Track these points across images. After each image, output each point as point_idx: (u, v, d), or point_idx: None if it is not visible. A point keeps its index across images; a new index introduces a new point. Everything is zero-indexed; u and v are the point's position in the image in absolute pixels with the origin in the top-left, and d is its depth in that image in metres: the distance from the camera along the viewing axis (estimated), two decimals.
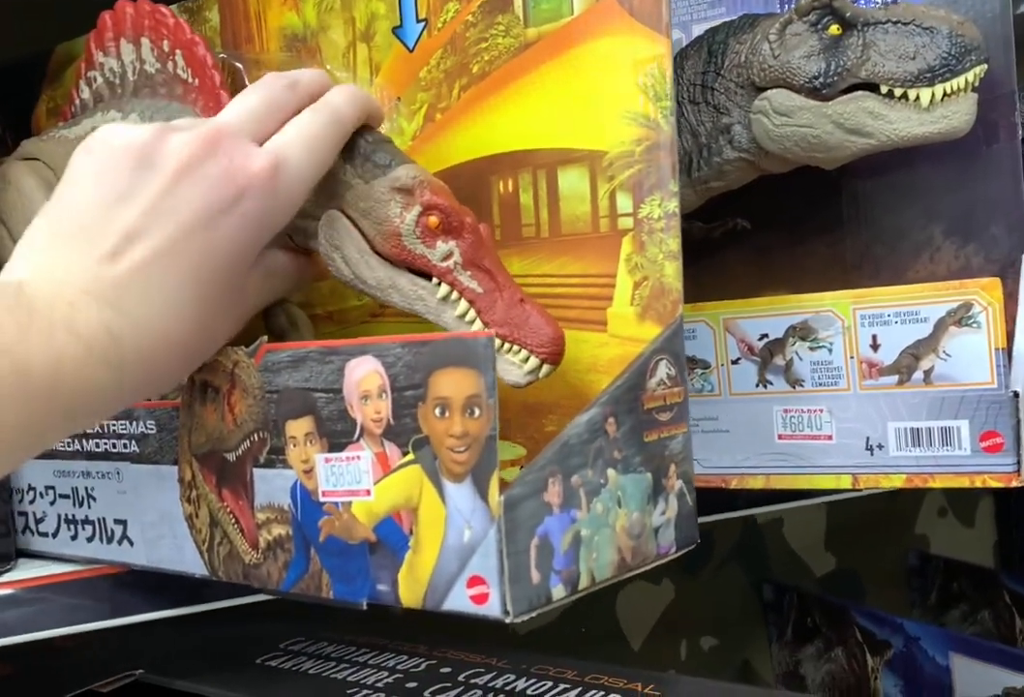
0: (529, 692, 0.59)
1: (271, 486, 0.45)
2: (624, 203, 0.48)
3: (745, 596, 1.22)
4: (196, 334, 0.44)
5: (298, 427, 0.44)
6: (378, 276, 0.47)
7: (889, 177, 0.62)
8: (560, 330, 0.45)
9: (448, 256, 0.45)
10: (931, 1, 0.57)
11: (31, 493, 0.56)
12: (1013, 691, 0.86)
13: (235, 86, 0.56)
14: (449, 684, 0.60)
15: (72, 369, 0.39)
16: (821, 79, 0.55)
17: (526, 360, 0.44)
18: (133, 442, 0.51)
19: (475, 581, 0.38)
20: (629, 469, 0.42)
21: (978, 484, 0.53)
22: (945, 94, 0.53)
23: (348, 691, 0.60)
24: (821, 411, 0.57)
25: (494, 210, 0.52)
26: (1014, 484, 0.53)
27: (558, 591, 0.39)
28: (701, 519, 0.47)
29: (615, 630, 1.15)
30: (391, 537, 0.40)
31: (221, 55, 0.56)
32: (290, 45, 0.58)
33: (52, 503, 0.55)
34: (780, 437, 0.58)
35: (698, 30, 0.64)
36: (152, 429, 0.50)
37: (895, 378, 0.55)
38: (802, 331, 0.57)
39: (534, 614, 0.38)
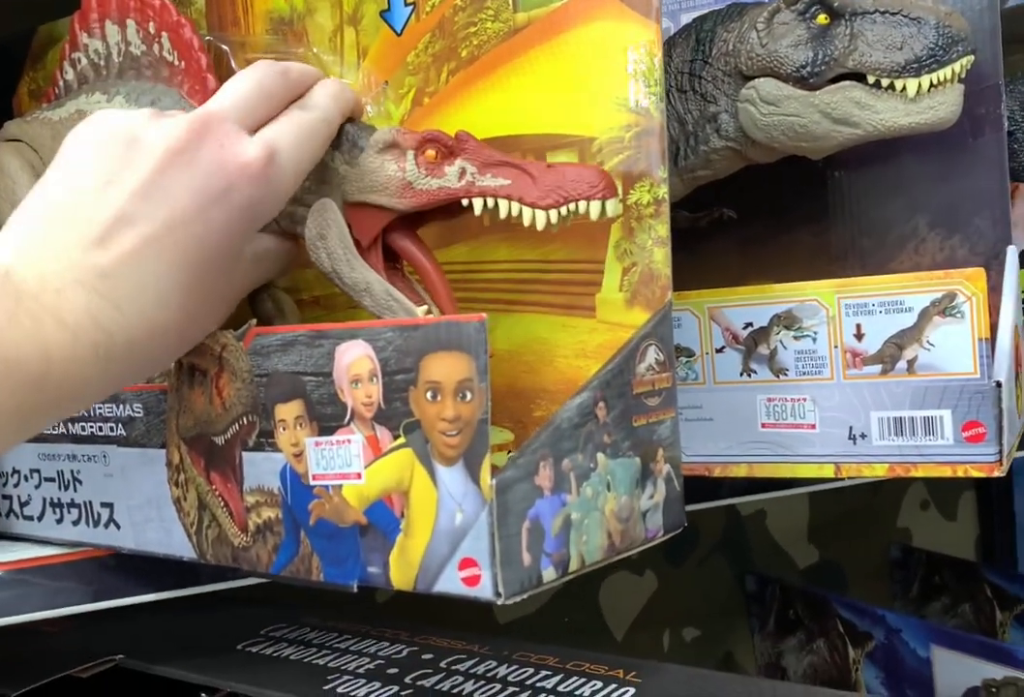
0: (511, 678, 0.59)
1: (260, 469, 0.45)
2: None
3: (728, 588, 1.22)
4: (184, 322, 0.43)
5: (288, 410, 0.44)
6: (355, 277, 0.47)
7: (875, 168, 0.62)
8: (598, 167, 0.45)
9: (462, 174, 0.45)
10: None
11: (15, 476, 0.56)
12: (992, 682, 0.87)
13: (221, 69, 0.56)
14: (431, 670, 0.61)
15: (60, 358, 0.39)
16: (808, 68, 0.55)
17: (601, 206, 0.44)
18: (120, 425, 0.51)
19: (467, 563, 0.38)
20: (618, 453, 0.43)
21: (960, 474, 0.54)
22: (932, 85, 0.54)
23: (329, 677, 0.60)
24: (805, 400, 0.57)
25: None
26: (996, 474, 0.53)
27: (549, 573, 0.39)
28: (685, 508, 0.47)
29: (598, 621, 1.15)
30: (382, 520, 0.40)
31: (207, 38, 0.56)
32: (276, 28, 0.58)
33: (37, 486, 0.55)
34: (763, 426, 0.58)
35: (686, 18, 0.64)
36: (139, 412, 0.50)
37: (879, 367, 0.55)
38: (786, 320, 0.57)
39: (525, 596, 0.38)
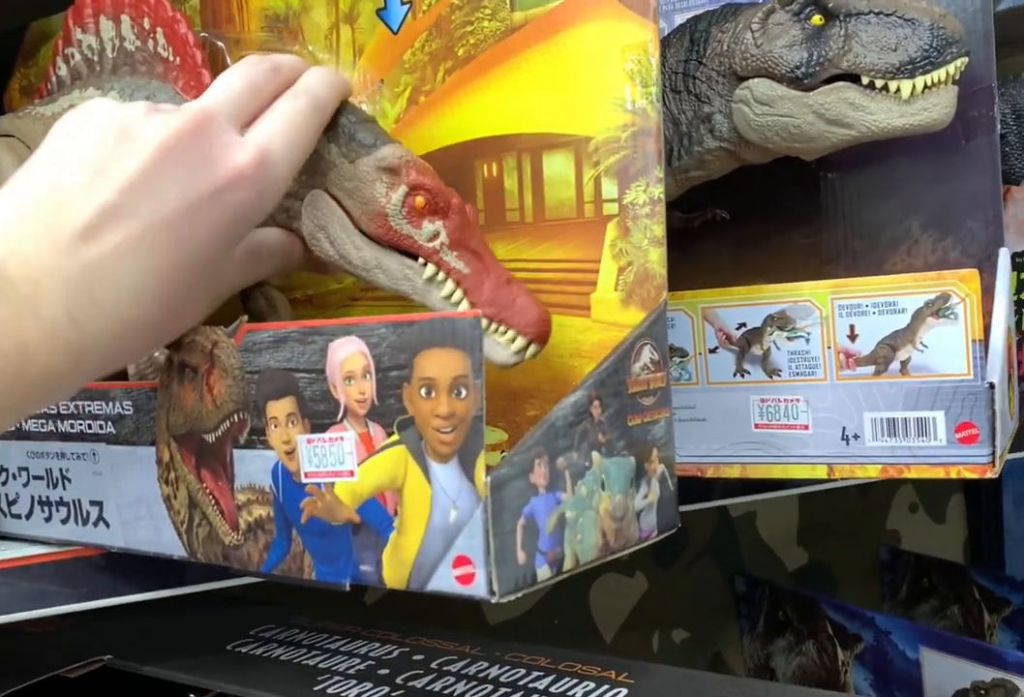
0: (502, 679, 0.58)
1: (251, 467, 0.44)
2: (609, 189, 0.48)
3: (718, 589, 1.22)
4: (163, 319, 0.43)
5: (279, 408, 0.43)
6: (364, 256, 0.47)
7: (868, 169, 0.62)
8: (546, 311, 0.45)
9: (435, 236, 0.45)
10: None
11: (3, 475, 0.56)
12: (981, 685, 0.87)
13: (216, 66, 0.55)
14: (421, 671, 0.60)
15: (37, 353, 0.39)
16: (803, 69, 0.55)
17: (513, 340, 0.44)
18: (109, 423, 0.50)
19: (461, 561, 0.38)
20: (613, 452, 0.42)
21: (953, 475, 0.54)
22: (926, 86, 0.54)
23: (319, 678, 0.60)
24: (798, 401, 0.57)
25: (478, 194, 0.52)
26: (989, 475, 0.53)
27: (543, 572, 0.39)
28: None
29: (588, 622, 1.15)
30: (375, 518, 0.40)
31: (202, 34, 0.56)
32: (271, 26, 0.58)
33: (25, 484, 0.54)
34: (757, 426, 0.58)
35: (680, 19, 0.64)
36: (129, 410, 0.50)
37: (872, 368, 0.55)
38: (780, 321, 0.57)
39: (519, 594, 0.38)
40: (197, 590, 0.54)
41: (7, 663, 0.65)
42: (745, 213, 0.67)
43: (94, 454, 0.51)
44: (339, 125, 0.47)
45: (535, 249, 0.50)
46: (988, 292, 0.55)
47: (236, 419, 0.45)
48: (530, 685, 0.57)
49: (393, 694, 0.57)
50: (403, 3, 0.53)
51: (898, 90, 0.54)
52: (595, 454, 0.41)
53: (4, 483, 0.56)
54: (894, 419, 0.54)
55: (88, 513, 0.52)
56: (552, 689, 0.56)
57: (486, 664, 0.61)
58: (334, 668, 0.61)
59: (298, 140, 0.45)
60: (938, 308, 0.53)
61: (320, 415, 0.42)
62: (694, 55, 0.60)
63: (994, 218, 0.58)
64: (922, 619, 1.18)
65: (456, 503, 0.38)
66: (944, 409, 0.53)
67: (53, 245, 0.40)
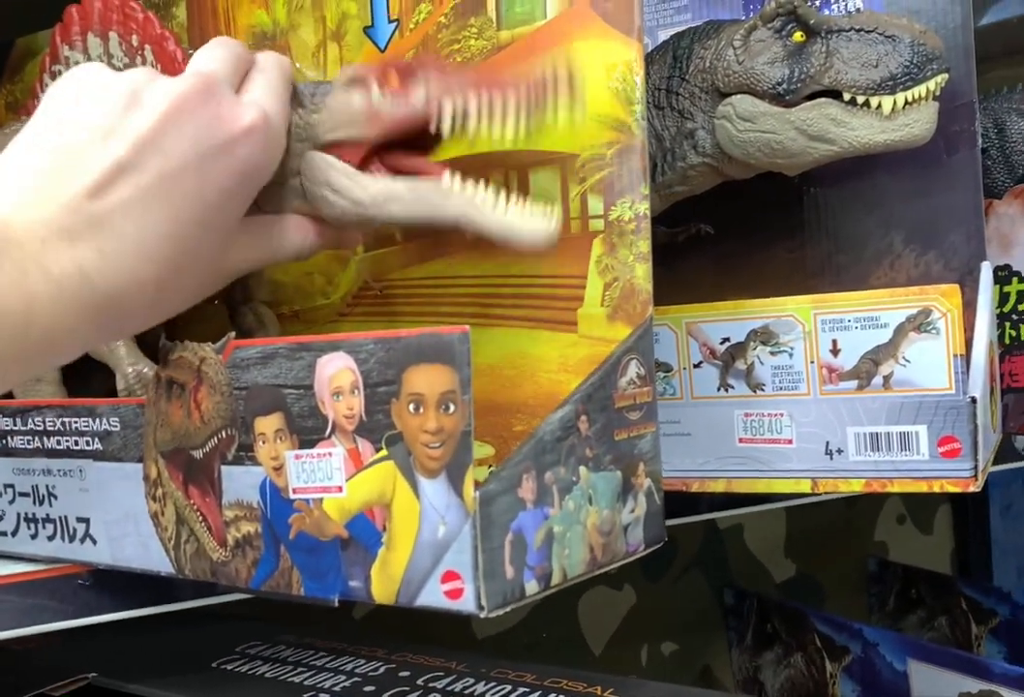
0: (489, 696, 0.58)
1: (239, 483, 0.44)
2: (595, 205, 0.48)
3: (706, 601, 1.23)
4: (168, 276, 0.43)
5: (267, 424, 0.43)
6: (372, 193, 0.47)
7: (851, 184, 0.63)
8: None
9: (427, 99, 0.46)
10: (893, 11, 0.58)
11: None
12: (968, 696, 0.87)
13: None
14: (408, 688, 0.60)
15: (43, 309, 0.39)
16: (784, 85, 0.56)
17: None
18: (96, 439, 0.50)
19: (449, 576, 0.38)
20: (600, 467, 0.43)
21: (936, 489, 0.54)
22: (907, 102, 0.54)
23: (304, 695, 0.60)
24: (781, 415, 0.57)
25: None
26: (971, 489, 0.53)
27: (531, 587, 0.39)
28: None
29: (576, 635, 1.15)
30: (364, 533, 0.40)
31: (190, 51, 0.56)
32: (259, 43, 0.58)
33: (11, 501, 0.54)
34: (741, 441, 0.58)
35: (664, 35, 0.65)
36: (116, 426, 0.49)
37: (855, 383, 0.55)
38: (763, 335, 0.57)
39: (508, 609, 0.38)
40: (184, 607, 0.54)
41: None
42: (729, 228, 0.67)
43: (81, 471, 0.51)
44: (298, 93, 0.48)
45: (522, 264, 0.50)
46: (970, 306, 0.55)
47: (224, 435, 0.45)
48: None
49: None
50: (390, 21, 0.54)
51: (879, 106, 0.55)
52: (582, 469, 0.42)
53: None
54: (877, 433, 0.55)
55: (75, 530, 0.52)
56: None
57: (472, 680, 0.61)
58: (320, 685, 0.61)
59: (283, 104, 0.47)
60: (920, 323, 0.54)
61: (308, 431, 0.42)
62: (677, 72, 0.60)
63: (976, 232, 0.59)
64: (910, 630, 1.18)
65: (445, 518, 0.38)
66: (927, 423, 0.54)
67: (61, 203, 0.40)
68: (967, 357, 0.54)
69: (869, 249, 0.62)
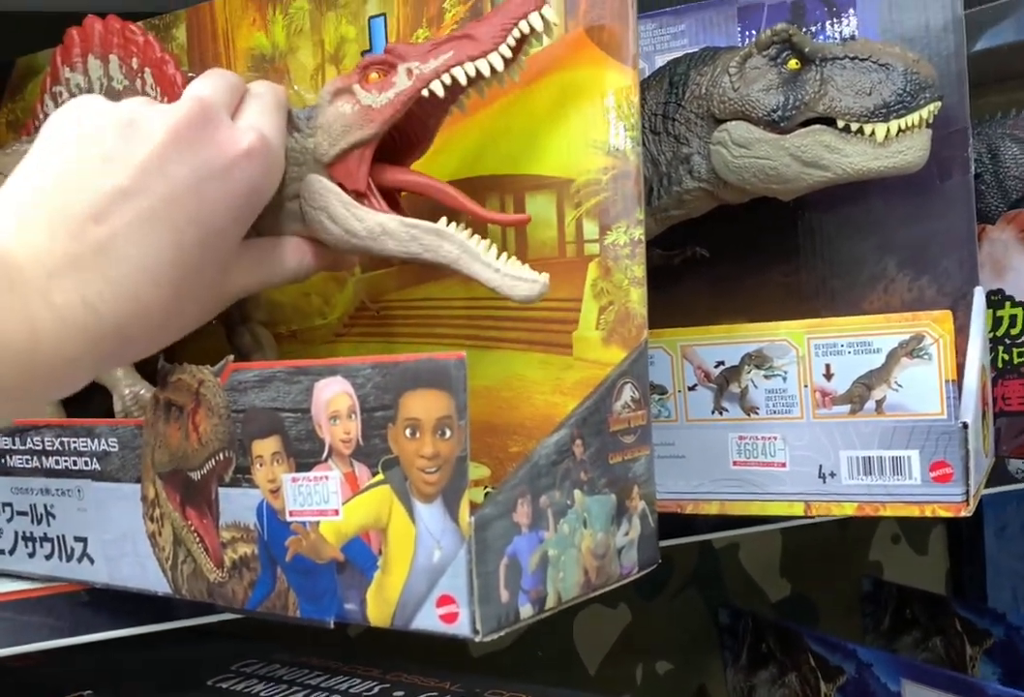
0: None
1: (236, 505, 0.45)
2: (591, 229, 0.49)
3: (701, 621, 1.22)
4: (171, 302, 0.43)
5: (265, 447, 0.44)
6: (367, 226, 0.47)
7: (845, 210, 0.63)
8: None
9: (409, 74, 0.46)
10: (888, 39, 0.59)
11: None
12: None
13: None
14: None
15: (48, 341, 0.39)
16: (779, 112, 0.57)
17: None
18: (95, 460, 0.50)
19: (445, 600, 0.38)
20: (595, 490, 0.43)
21: (928, 513, 0.54)
22: (900, 130, 0.55)
23: None
24: (775, 438, 0.58)
25: None
26: (963, 514, 0.54)
27: (526, 610, 0.39)
28: (659, 542, 0.48)
29: (571, 654, 1.15)
30: (360, 557, 0.40)
31: (190, 74, 0.56)
32: (258, 66, 0.59)
33: (9, 520, 0.54)
34: (735, 464, 0.59)
35: (660, 61, 0.65)
36: (114, 447, 0.50)
37: (848, 407, 0.56)
38: (757, 359, 0.58)
39: (503, 633, 0.38)
40: (180, 626, 0.54)
41: None
42: (724, 252, 0.68)
43: (79, 490, 0.51)
44: (293, 117, 0.49)
45: None
46: (963, 331, 0.56)
47: (221, 457, 0.45)
48: None
49: None
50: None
51: (873, 133, 0.55)
52: (577, 492, 0.42)
53: None
54: (870, 457, 0.55)
55: (72, 549, 0.52)
56: None
57: None
58: None
59: (279, 128, 0.47)
60: (912, 348, 0.54)
61: (305, 454, 0.42)
62: (673, 97, 0.61)
63: (969, 257, 0.59)
64: (904, 651, 1.18)
65: (440, 543, 0.38)
66: (919, 448, 0.54)
67: (64, 230, 0.40)
68: (959, 382, 0.54)
69: (863, 274, 0.63)
